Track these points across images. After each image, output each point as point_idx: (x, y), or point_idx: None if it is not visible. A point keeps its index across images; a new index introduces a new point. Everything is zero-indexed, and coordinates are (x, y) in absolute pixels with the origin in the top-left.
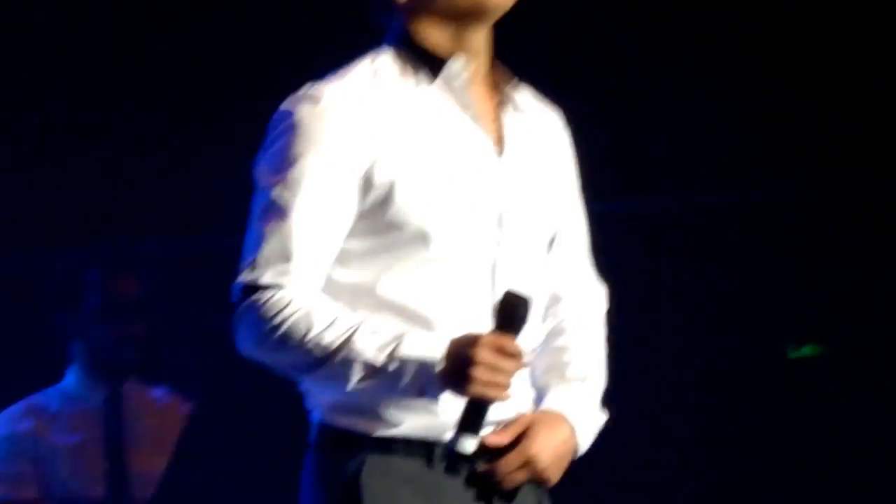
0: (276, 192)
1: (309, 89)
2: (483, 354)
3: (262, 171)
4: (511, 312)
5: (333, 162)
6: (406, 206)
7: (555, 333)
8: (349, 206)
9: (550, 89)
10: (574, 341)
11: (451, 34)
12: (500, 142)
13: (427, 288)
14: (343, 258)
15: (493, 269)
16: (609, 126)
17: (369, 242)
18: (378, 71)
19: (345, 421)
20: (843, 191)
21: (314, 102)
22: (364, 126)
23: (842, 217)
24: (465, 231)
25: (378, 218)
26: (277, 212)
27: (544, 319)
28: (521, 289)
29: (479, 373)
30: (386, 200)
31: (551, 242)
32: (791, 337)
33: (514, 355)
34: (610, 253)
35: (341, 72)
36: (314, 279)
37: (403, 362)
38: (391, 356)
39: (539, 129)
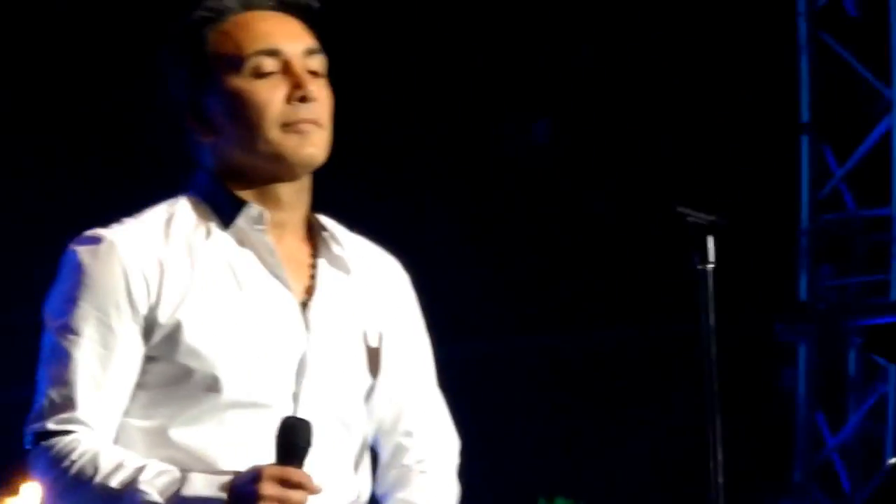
0: (58, 337)
1: (94, 231)
2: (267, 489)
3: (48, 313)
4: (291, 439)
5: (112, 306)
6: (193, 352)
7: (400, 485)
8: (132, 350)
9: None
10: (419, 496)
11: (258, 188)
12: (310, 292)
13: (218, 435)
14: (137, 404)
15: None
16: None
17: (161, 388)
18: (174, 215)
19: None
20: (594, 344)
21: (96, 245)
22: (146, 270)
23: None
24: (259, 380)
25: (167, 362)
26: (60, 357)
27: (388, 468)
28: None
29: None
30: (172, 345)
31: (368, 394)
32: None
33: (300, 485)
34: None
35: (131, 218)
36: (102, 423)
37: (188, 503)
38: (175, 497)
39: (364, 280)
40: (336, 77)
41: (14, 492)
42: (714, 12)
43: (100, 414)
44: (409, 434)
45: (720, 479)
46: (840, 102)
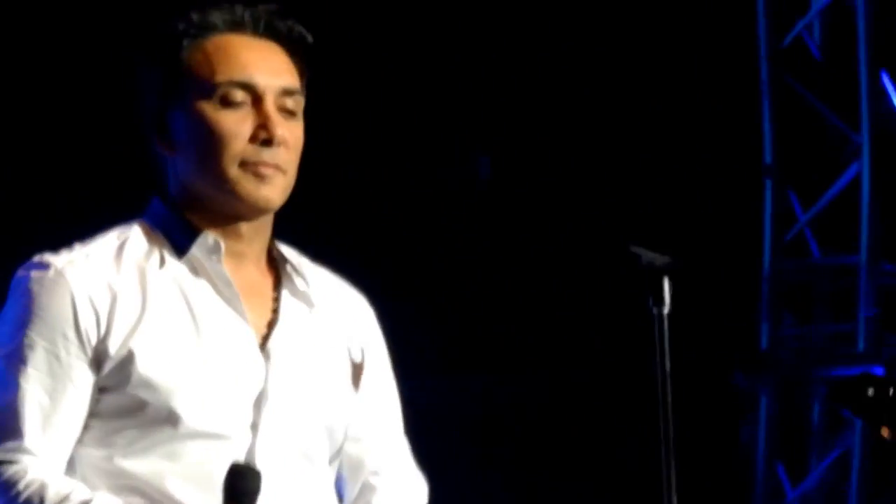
0: (5, 364)
1: (43, 258)
2: None
3: None
4: (238, 488)
5: (59, 336)
6: (146, 383)
7: None
8: (81, 381)
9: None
10: None
11: (215, 217)
12: (271, 324)
13: (174, 466)
14: (91, 433)
15: (249, 454)
16: None
17: (114, 418)
18: (126, 242)
19: None
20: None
21: (44, 271)
22: (96, 299)
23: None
24: (215, 411)
25: (119, 393)
26: (7, 385)
27: None
28: (252, 463)
29: None
30: (124, 376)
31: (332, 432)
32: None
33: None
34: None
35: (84, 242)
36: (50, 453)
37: None
38: None
39: (328, 314)
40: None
41: None
42: (676, 50)
43: (48, 445)
44: (376, 474)
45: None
46: (806, 146)
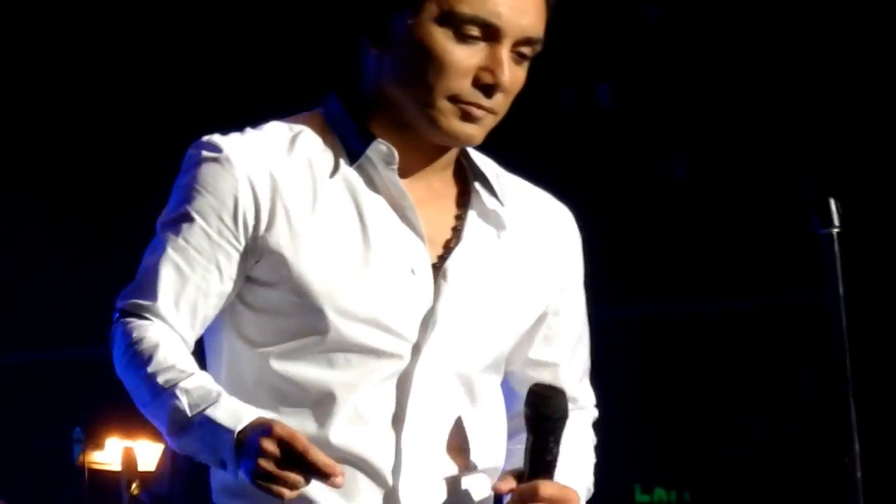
0: (162, 230)
1: (215, 139)
2: (268, 445)
3: (163, 210)
4: (541, 411)
5: (216, 219)
6: (303, 285)
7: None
8: (227, 263)
9: None
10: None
11: (406, 134)
12: (449, 245)
13: (325, 374)
14: (245, 324)
15: (405, 374)
16: None
17: (267, 313)
18: (298, 136)
19: None
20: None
21: (215, 153)
22: (260, 189)
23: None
24: (374, 327)
25: (274, 289)
26: (160, 250)
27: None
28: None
29: (263, 463)
30: (279, 273)
31: (498, 362)
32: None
33: (302, 454)
34: None
35: (253, 129)
36: (178, 320)
37: (206, 424)
38: (199, 414)
39: (522, 238)
40: None
41: (100, 446)
42: None
43: (176, 314)
44: (556, 376)
45: (858, 474)
46: None
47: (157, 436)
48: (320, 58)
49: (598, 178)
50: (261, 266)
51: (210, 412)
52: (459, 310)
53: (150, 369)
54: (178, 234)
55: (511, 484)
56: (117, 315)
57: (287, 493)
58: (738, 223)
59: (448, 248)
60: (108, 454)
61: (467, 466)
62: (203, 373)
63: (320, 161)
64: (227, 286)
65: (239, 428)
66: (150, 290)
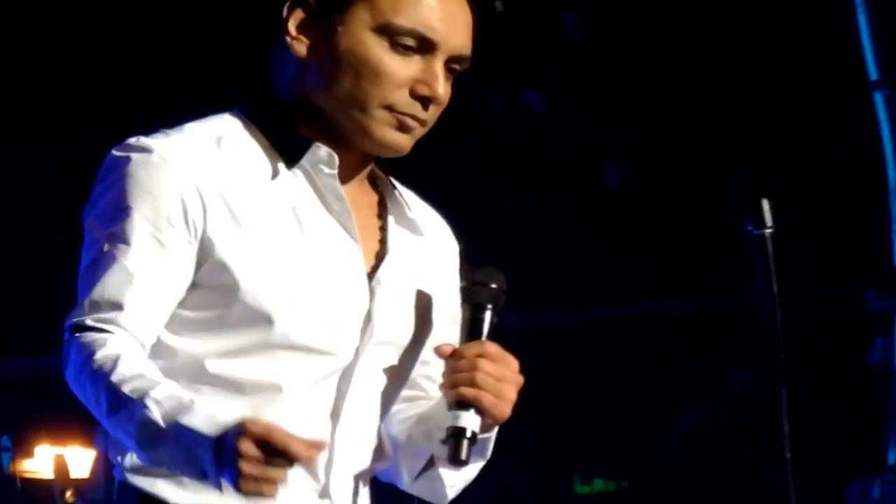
0: (104, 245)
1: (141, 140)
2: (246, 448)
3: (92, 221)
4: (480, 280)
5: (164, 221)
6: (245, 284)
7: (409, 405)
8: (181, 269)
9: None
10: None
11: (328, 134)
12: (380, 250)
13: (263, 372)
14: (185, 329)
15: (346, 373)
16: None
17: (202, 313)
18: (222, 137)
19: (145, 483)
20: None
21: (147, 154)
22: (202, 188)
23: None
24: (318, 327)
25: (213, 290)
26: (106, 264)
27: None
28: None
29: (245, 467)
30: (222, 273)
31: (425, 362)
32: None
33: (282, 451)
34: None
35: (174, 130)
36: (140, 331)
37: (183, 433)
38: (173, 422)
39: (431, 243)
40: None
41: (29, 454)
42: None
43: (140, 323)
44: (428, 378)
45: (787, 455)
46: None
47: (88, 442)
48: (233, 58)
49: (533, 186)
50: (204, 266)
51: (185, 420)
52: (393, 312)
53: (113, 379)
54: (129, 244)
55: (442, 349)
56: (68, 334)
57: (274, 492)
58: (671, 228)
59: (378, 254)
60: (39, 462)
61: (383, 464)
62: (172, 382)
63: (254, 163)
64: (182, 288)
65: (217, 434)
66: (108, 304)
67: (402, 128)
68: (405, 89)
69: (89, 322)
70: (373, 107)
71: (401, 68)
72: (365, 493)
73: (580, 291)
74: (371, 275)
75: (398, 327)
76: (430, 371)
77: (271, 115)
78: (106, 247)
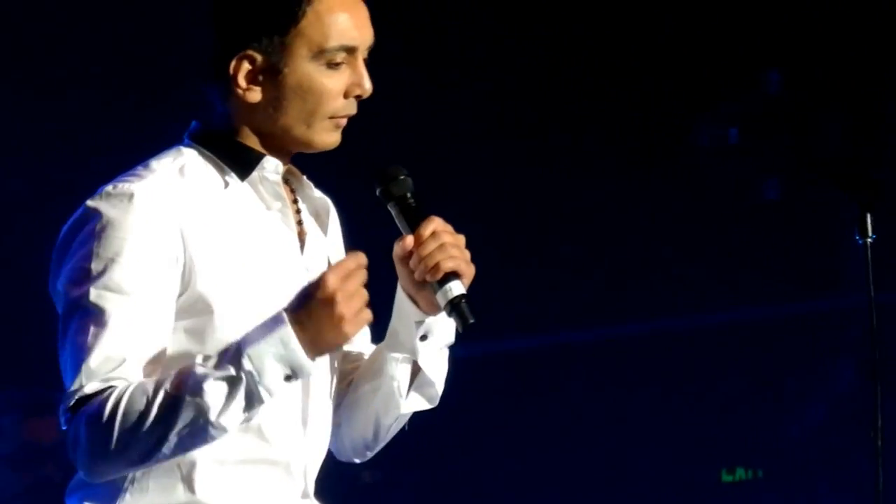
0: (93, 299)
1: (114, 188)
2: (337, 287)
3: (74, 275)
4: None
5: (151, 262)
6: (221, 312)
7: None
8: (172, 300)
9: None
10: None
11: (274, 151)
12: (301, 237)
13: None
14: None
15: (306, 380)
16: None
17: (185, 344)
18: (184, 167)
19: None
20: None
21: (122, 199)
22: (177, 221)
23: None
24: None
25: (191, 319)
26: (99, 319)
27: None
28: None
29: (344, 308)
30: (201, 304)
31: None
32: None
33: (357, 268)
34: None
35: (142, 169)
36: (146, 376)
37: (257, 354)
38: (239, 356)
39: (323, 222)
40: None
41: None
42: None
43: (145, 370)
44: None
45: (878, 443)
46: None
47: None
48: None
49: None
50: (186, 295)
51: (249, 345)
52: None
53: (151, 391)
54: (122, 293)
55: (405, 240)
56: (70, 415)
57: (367, 313)
58: (797, 238)
59: (302, 240)
60: None
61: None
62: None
63: (213, 184)
64: (171, 321)
65: (287, 322)
66: (108, 363)
67: (338, 127)
68: (340, 96)
69: (91, 389)
70: (318, 121)
71: (337, 82)
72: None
73: (717, 295)
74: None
75: None
76: (353, 352)
77: (221, 140)
78: (93, 303)
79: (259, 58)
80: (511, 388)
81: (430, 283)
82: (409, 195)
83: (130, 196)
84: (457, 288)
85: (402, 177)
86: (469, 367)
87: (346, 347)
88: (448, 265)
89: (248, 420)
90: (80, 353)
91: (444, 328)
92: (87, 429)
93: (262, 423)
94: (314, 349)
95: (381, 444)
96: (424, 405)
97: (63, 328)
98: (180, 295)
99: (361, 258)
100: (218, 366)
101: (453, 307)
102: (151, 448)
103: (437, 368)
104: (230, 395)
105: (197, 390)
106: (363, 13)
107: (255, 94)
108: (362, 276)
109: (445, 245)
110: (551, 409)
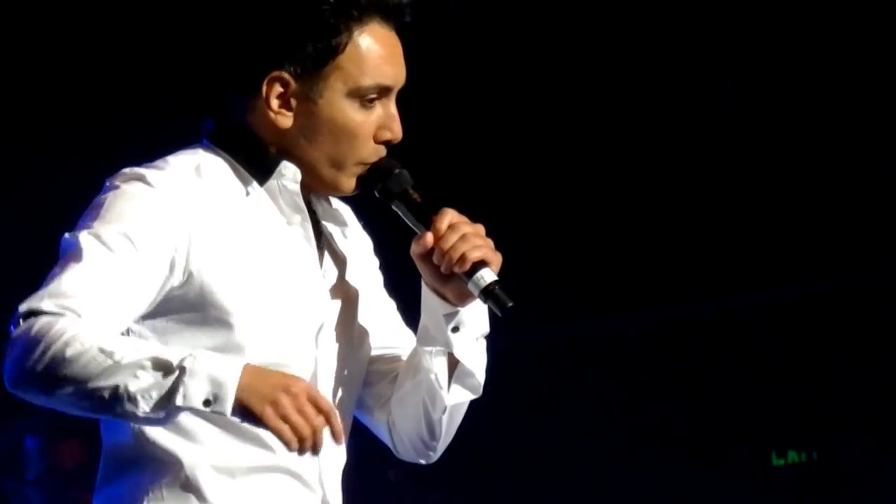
0: (83, 241)
1: (133, 170)
2: (296, 389)
3: (76, 226)
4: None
5: (148, 232)
6: (220, 310)
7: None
8: (156, 277)
9: None
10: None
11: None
12: (320, 253)
13: None
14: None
15: (312, 380)
16: None
17: (181, 333)
18: (200, 167)
19: None
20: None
21: (140, 180)
22: (186, 213)
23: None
24: (284, 344)
25: (190, 311)
26: (80, 258)
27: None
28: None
29: (285, 401)
30: (199, 298)
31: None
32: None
33: (324, 410)
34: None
35: (159, 162)
36: (97, 321)
37: (199, 362)
38: (185, 355)
39: (352, 229)
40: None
41: None
42: None
43: (97, 315)
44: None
45: None
46: None
47: None
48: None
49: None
50: (182, 288)
51: (203, 356)
52: (341, 312)
53: (99, 344)
54: (107, 248)
55: (425, 237)
56: (19, 319)
57: (305, 442)
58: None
59: (321, 252)
60: None
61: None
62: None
63: (231, 187)
64: (144, 300)
65: (241, 366)
66: (71, 292)
67: (361, 173)
68: (371, 139)
69: (45, 307)
70: (350, 164)
71: (368, 122)
72: (339, 486)
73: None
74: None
75: (350, 325)
76: (385, 348)
77: (240, 141)
78: (83, 244)
79: (292, 82)
80: (539, 379)
81: (459, 274)
82: (409, 189)
83: (144, 178)
84: (488, 275)
85: (396, 171)
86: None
87: (379, 349)
88: (475, 255)
89: (164, 418)
90: (52, 277)
91: (475, 318)
92: (28, 340)
93: (261, 431)
94: (242, 400)
95: (442, 442)
96: (468, 396)
97: (59, 257)
98: (176, 286)
99: (328, 411)
100: (165, 352)
101: (488, 294)
102: (72, 391)
103: (474, 358)
104: (159, 380)
105: (134, 361)
106: (399, 52)
107: (287, 121)
108: (318, 418)
109: (467, 235)
110: (584, 400)
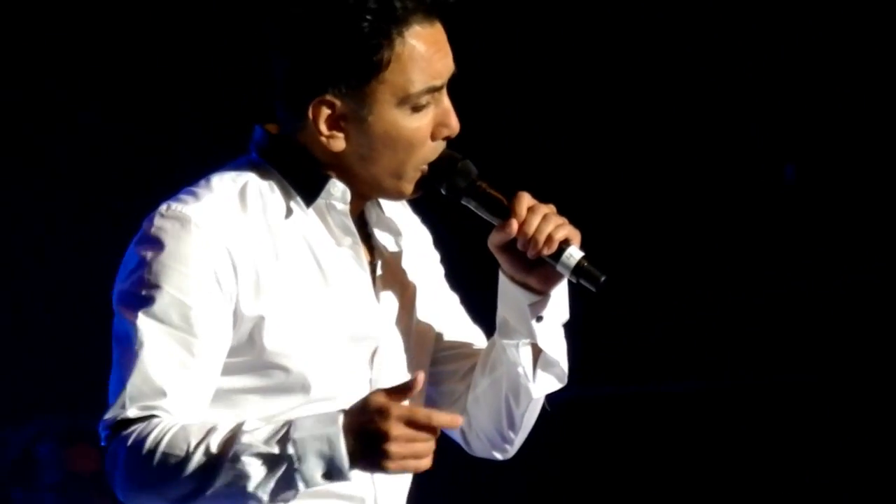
0: (139, 325)
1: (173, 209)
2: (396, 430)
3: (125, 300)
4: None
5: (198, 291)
6: (278, 350)
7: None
8: (223, 332)
9: None
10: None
11: (357, 192)
12: (374, 276)
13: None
14: (216, 397)
15: None
16: None
17: (239, 381)
18: (245, 187)
19: None
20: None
21: (178, 224)
22: (232, 250)
23: None
24: (340, 375)
25: (247, 355)
26: (143, 346)
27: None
28: None
29: (395, 448)
30: (255, 338)
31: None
32: None
33: (426, 427)
34: None
35: (202, 188)
36: (188, 410)
37: (302, 443)
38: (286, 439)
39: (409, 235)
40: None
41: None
42: None
43: (185, 400)
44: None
45: None
46: None
47: None
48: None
49: None
50: (237, 331)
51: (299, 430)
52: (396, 332)
53: (194, 442)
54: (165, 322)
55: (510, 224)
56: (108, 433)
57: (428, 462)
58: None
59: (373, 268)
60: None
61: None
62: (247, 419)
63: (274, 209)
64: (223, 353)
65: (341, 425)
66: (151, 391)
67: (423, 174)
68: (428, 140)
69: (132, 414)
70: (410, 170)
71: (424, 126)
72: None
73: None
74: (376, 298)
75: (405, 344)
76: (451, 348)
77: (294, 157)
78: (140, 328)
79: (339, 103)
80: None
81: (545, 257)
82: (476, 181)
83: (185, 221)
84: (576, 252)
85: (459, 163)
86: None
87: (446, 350)
88: (560, 234)
89: (289, 496)
90: (124, 376)
91: (558, 305)
92: (128, 456)
93: None
94: (355, 462)
95: (521, 435)
96: (555, 385)
97: (113, 346)
98: (236, 329)
99: (436, 418)
100: (265, 441)
101: (580, 271)
102: (187, 495)
103: (557, 346)
104: (270, 472)
105: (237, 459)
106: (445, 44)
107: (340, 143)
108: (425, 436)
109: (548, 216)
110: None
